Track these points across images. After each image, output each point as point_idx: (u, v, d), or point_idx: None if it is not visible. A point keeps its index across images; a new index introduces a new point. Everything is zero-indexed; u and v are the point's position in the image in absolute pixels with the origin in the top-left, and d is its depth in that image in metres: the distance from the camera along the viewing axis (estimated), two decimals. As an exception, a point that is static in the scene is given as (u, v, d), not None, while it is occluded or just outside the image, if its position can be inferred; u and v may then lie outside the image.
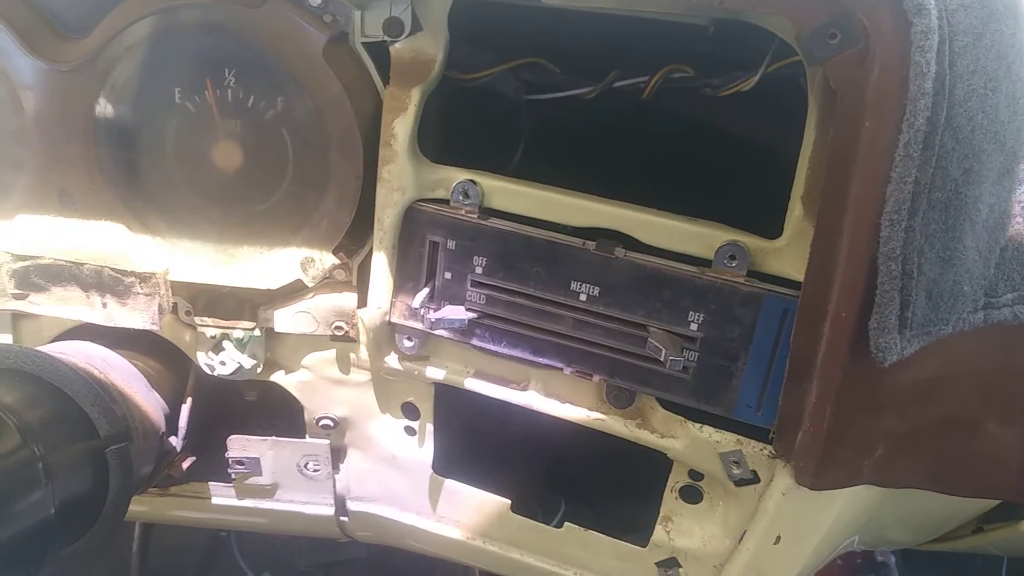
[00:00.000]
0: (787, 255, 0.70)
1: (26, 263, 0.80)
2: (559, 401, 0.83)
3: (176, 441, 0.91)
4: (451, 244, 0.78)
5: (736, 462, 0.77)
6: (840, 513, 0.80)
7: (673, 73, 0.78)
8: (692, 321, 0.73)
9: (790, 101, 0.73)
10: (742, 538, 0.81)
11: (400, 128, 0.76)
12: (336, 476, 0.98)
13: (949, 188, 0.55)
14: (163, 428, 0.87)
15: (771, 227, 0.71)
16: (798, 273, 0.69)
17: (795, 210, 0.69)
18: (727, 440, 0.77)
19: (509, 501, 0.91)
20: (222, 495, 1.01)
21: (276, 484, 0.98)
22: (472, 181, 0.77)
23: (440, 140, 0.85)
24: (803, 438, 0.70)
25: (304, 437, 0.95)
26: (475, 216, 0.77)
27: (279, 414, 0.97)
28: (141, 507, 1.03)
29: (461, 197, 0.77)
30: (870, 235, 0.57)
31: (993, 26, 0.53)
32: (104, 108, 0.79)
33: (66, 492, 0.73)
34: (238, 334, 0.86)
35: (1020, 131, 0.59)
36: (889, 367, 0.64)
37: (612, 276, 0.75)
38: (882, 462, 0.72)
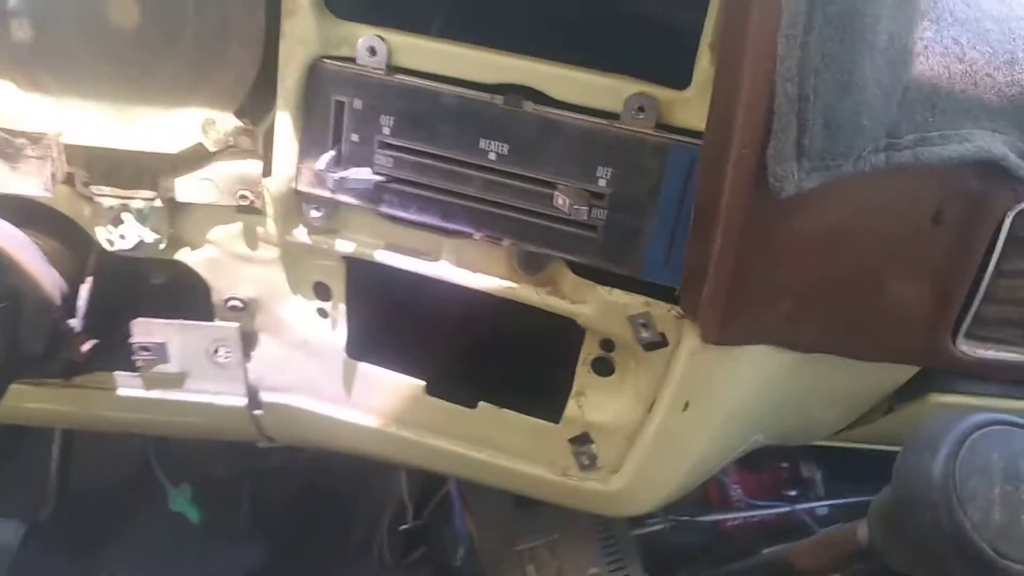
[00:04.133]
0: (695, 105, 0.69)
1: (-96, 121, 0.76)
2: (471, 271, 0.81)
3: (76, 322, 0.88)
4: (357, 103, 0.76)
5: (644, 324, 0.77)
6: (747, 382, 0.80)
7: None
8: (601, 177, 0.72)
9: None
10: (651, 408, 0.81)
11: (303, -22, 0.73)
12: (248, 365, 0.95)
13: (845, 1, 0.54)
14: (58, 303, 0.83)
15: (682, 79, 0.71)
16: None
17: (703, 58, 0.68)
18: (635, 302, 0.77)
19: (424, 383, 0.90)
20: (129, 386, 0.97)
21: (185, 372, 0.95)
22: (379, 37, 0.74)
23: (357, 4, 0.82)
24: (708, 291, 0.70)
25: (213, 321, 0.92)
26: (382, 72, 0.75)
27: (188, 299, 0.93)
28: (46, 403, 1.00)
29: (367, 54, 0.75)
30: (768, 61, 0.57)
31: None
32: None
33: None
34: (138, 204, 0.83)
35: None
36: (790, 211, 0.64)
37: (521, 133, 0.73)
38: (788, 320, 0.73)
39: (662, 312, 0.76)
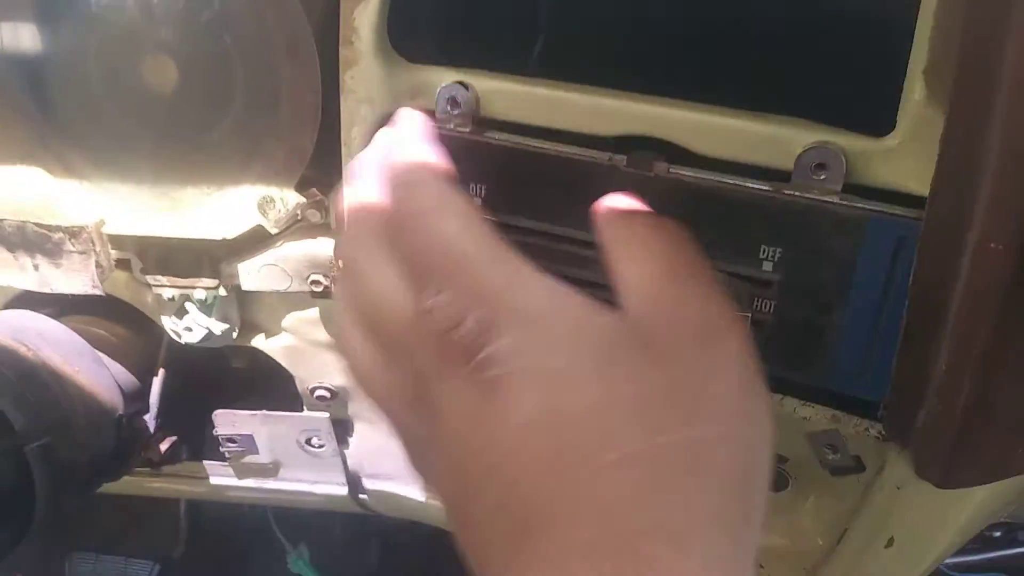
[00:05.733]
0: (903, 158, 0.48)
1: (-68, 223, 0.66)
2: (596, 365, 0.64)
3: (150, 419, 0.78)
4: (440, 169, 0.59)
5: (832, 445, 0.57)
6: (981, 505, 0.59)
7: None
8: (766, 259, 0.53)
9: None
10: (841, 538, 0.62)
11: (363, 20, 0.57)
12: (346, 452, 0.83)
13: None
14: (121, 407, 0.73)
15: (879, 124, 0.50)
16: (920, 184, 0.47)
17: (914, 91, 0.47)
18: (819, 417, 0.57)
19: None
20: (221, 475, 0.88)
21: (278, 463, 0.84)
22: (461, 83, 0.57)
23: (438, 43, 0.66)
24: (927, 419, 0.49)
25: (302, 410, 0.80)
26: (467, 129, 0.57)
27: (273, 383, 0.82)
28: (142, 486, 0.92)
29: (448, 106, 0.58)
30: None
31: None
32: (4, 26, 0.63)
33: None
34: (200, 294, 0.70)
35: None
36: (1062, 320, 0.43)
37: (653, 201, 0.54)
38: (1046, 446, 0.51)
39: (856, 430, 0.56)
